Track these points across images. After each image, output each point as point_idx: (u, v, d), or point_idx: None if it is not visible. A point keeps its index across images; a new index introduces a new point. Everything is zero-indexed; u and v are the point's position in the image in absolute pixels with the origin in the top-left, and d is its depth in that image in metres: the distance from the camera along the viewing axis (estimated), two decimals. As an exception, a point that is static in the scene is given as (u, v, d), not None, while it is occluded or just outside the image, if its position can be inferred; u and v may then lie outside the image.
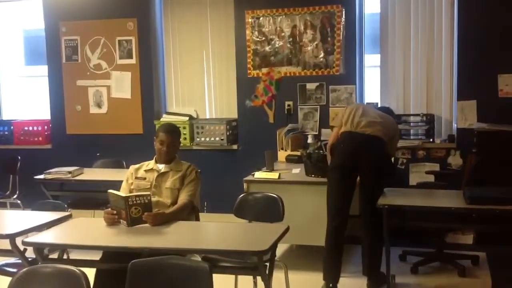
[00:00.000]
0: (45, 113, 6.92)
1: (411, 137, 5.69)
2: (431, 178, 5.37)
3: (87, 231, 3.44)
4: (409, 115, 5.69)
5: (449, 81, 5.65)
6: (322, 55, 5.89)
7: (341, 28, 5.80)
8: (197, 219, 3.94)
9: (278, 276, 3.44)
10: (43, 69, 6.86)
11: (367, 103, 5.74)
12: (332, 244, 4.21)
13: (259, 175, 4.76)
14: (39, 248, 3.23)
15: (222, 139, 6.15)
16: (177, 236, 3.30)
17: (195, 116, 6.42)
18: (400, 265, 4.65)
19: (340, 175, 4.16)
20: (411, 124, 5.68)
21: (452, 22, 5.57)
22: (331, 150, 4.34)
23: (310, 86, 5.96)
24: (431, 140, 5.60)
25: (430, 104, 5.71)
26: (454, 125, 5.64)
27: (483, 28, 5.37)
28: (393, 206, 3.93)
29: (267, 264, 3.14)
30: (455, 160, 5.52)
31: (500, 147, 4.93)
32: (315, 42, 5.90)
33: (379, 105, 5.55)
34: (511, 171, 4.67)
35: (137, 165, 3.93)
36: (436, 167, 5.56)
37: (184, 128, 6.13)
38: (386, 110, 4.62)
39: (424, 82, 5.71)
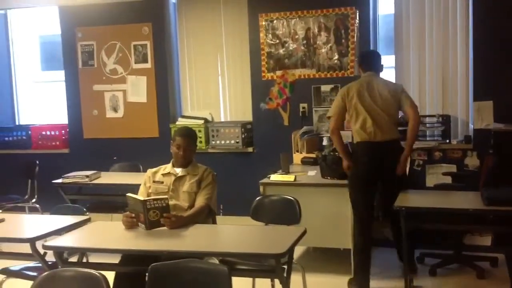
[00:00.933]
0: (62, 118, 6.99)
1: (427, 138, 5.66)
2: (448, 180, 5.34)
3: (106, 235, 3.48)
4: (425, 116, 5.66)
5: (465, 82, 5.61)
6: (336, 57, 5.88)
7: (355, 30, 5.79)
8: (214, 222, 3.96)
9: (295, 279, 3.45)
10: (60, 74, 6.94)
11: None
12: (363, 245, 4.29)
13: (275, 177, 4.77)
14: (59, 251, 3.27)
15: (237, 142, 6.17)
16: (195, 239, 3.33)
17: (210, 119, 6.45)
18: (419, 267, 4.63)
19: (366, 184, 4.32)
20: (427, 125, 5.65)
21: (467, 22, 5.54)
22: (335, 136, 4.36)
23: (325, 88, 5.96)
24: (447, 141, 5.56)
25: (446, 105, 5.68)
26: (471, 126, 5.60)
27: (499, 28, 5.33)
28: (410, 208, 3.93)
29: (285, 266, 3.14)
30: (472, 161, 5.48)
31: (518, 147, 4.90)
32: (329, 44, 5.90)
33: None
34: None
35: (154, 169, 3.96)
36: (453, 168, 5.53)
37: (200, 131, 6.15)
38: (376, 66, 4.53)
39: (439, 83, 5.68)
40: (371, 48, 5.83)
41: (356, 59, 4.86)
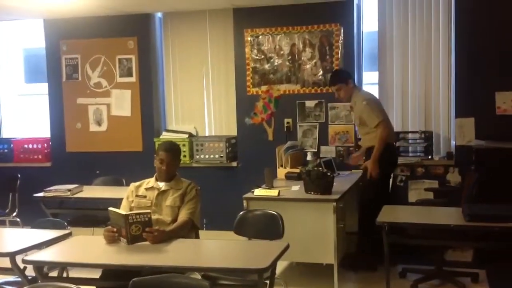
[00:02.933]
0: (45, 131, 6.94)
1: (410, 154, 5.70)
2: (430, 195, 5.38)
3: (87, 249, 3.44)
4: (408, 132, 5.72)
5: (447, 98, 5.69)
6: (321, 73, 5.93)
7: (340, 47, 5.85)
8: (197, 236, 3.94)
9: (278, 294, 3.44)
10: (43, 87, 6.90)
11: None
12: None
13: (258, 192, 4.76)
14: (39, 266, 3.23)
15: (221, 156, 6.17)
16: (177, 254, 3.30)
17: (194, 133, 6.45)
18: (400, 282, 4.63)
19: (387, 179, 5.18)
20: (410, 141, 5.70)
21: (450, 40, 5.63)
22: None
23: (309, 103, 5.99)
24: (429, 157, 5.61)
25: (428, 121, 5.75)
26: (453, 142, 5.67)
27: (481, 46, 5.42)
28: (392, 223, 3.95)
29: (267, 281, 3.14)
30: (453, 177, 5.53)
31: (499, 164, 4.95)
32: (314, 60, 5.95)
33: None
34: (509, 189, 4.70)
35: (137, 183, 3.94)
36: (435, 184, 5.57)
37: (184, 145, 6.14)
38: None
39: (422, 99, 5.75)
40: (355, 64, 5.89)
41: (340, 78, 5.15)
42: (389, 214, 4.11)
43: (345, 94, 5.08)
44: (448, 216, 4.07)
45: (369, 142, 5.02)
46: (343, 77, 5.10)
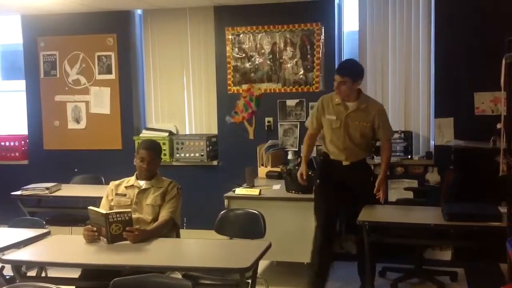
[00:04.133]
0: (22, 129, 6.83)
1: (390, 153, 5.73)
2: (409, 195, 5.43)
3: (66, 248, 3.40)
4: (388, 132, 5.74)
5: (427, 99, 5.74)
6: (302, 72, 5.94)
7: (321, 46, 5.87)
8: (178, 235, 3.92)
9: (259, 293, 3.43)
10: (21, 84, 6.79)
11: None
12: None
13: (239, 191, 4.75)
14: (17, 265, 3.18)
15: (202, 155, 6.14)
16: (157, 253, 3.28)
17: (175, 132, 6.41)
18: (380, 281, 4.66)
19: None
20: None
21: (429, 41, 5.68)
22: None
23: (290, 102, 6.00)
24: (409, 156, 5.66)
25: (408, 121, 5.79)
26: (432, 142, 5.72)
27: (459, 47, 5.48)
28: (373, 222, 3.97)
29: (249, 281, 3.13)
30: (433, 176, 5.59)
31: (477, 164, 5.01)
32: (295, 59, 5.95)
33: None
34: (487, 188, 4.76)
35: (117, 181, 3.90)
36: (414, 183, 5.62)
37: (164, 144, 6.10)
38: None
39: (402, 99, 5.79)
40: (336, 64, 5.90)
41: (354, 72, 4.24)
42: (370, 213, 4.13)
43: (346, 91, 4.19)
44: (428, 215, 4.10)
45: (353, 156, 4.32)
46: (356, 73, 4.22)
